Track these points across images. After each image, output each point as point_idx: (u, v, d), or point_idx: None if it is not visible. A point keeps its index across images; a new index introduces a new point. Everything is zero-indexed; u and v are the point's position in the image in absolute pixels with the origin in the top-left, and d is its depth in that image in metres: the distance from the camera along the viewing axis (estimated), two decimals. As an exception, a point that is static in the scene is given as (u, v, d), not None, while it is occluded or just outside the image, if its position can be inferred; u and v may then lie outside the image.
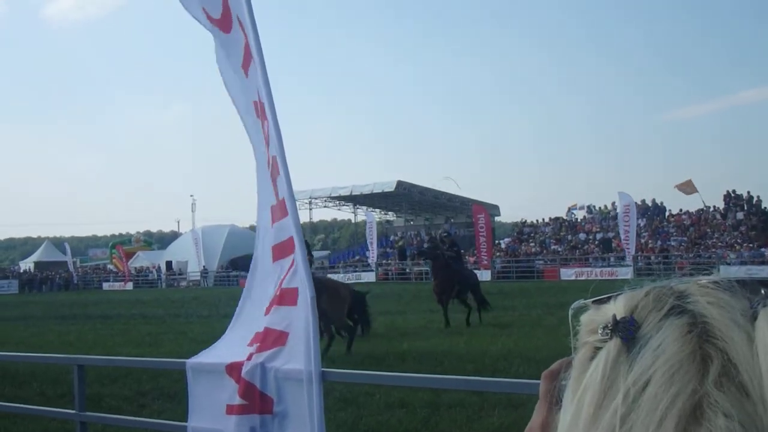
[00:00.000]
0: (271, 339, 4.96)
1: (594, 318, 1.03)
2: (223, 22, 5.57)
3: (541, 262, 65.34)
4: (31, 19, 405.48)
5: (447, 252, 27.07)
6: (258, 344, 5.00)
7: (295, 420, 4.65)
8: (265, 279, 5.31)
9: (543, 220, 76.89)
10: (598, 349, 0.99)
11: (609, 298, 1.04)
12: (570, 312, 1.08)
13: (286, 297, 4.96)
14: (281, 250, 5.16)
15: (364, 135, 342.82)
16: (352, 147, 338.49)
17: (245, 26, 5.30)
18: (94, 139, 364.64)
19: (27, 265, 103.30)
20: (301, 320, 4.79)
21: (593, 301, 1.07)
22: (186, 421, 5.98)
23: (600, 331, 0.99)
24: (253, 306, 5.44)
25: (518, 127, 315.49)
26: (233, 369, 5.05)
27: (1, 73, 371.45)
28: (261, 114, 5.26)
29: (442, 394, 12.00)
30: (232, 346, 5.35)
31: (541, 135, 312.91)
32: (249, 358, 4.97)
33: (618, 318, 0.97)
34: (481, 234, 64.21)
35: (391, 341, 20.92)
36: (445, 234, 35.18)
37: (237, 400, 4.96)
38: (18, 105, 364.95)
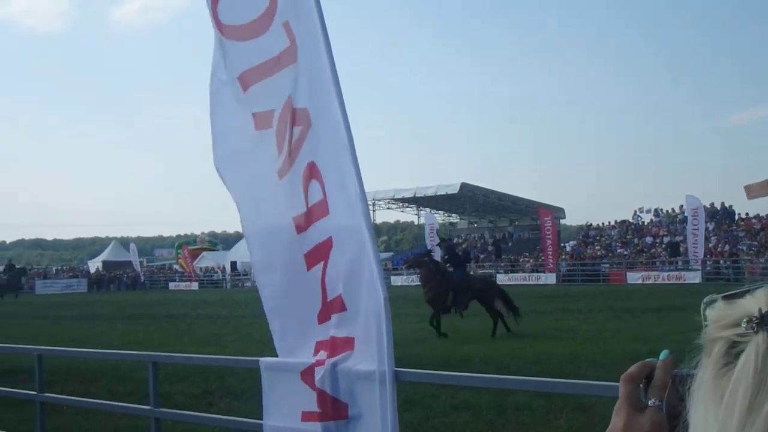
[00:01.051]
0: (339, 346, 4.97)
1: (728, 312, 1.04)
2: (249, 28, 5.61)
3: (606, 265, 64.64)
4: (99, 23, 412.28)
5: (440, 259, 25.55)
6: (327, 352, 5.02)
7: (368, 421, 4.67)
8: (304, 287, 5.31)
9: (609, 223, 76.11)
10: (736, 343, 1.00)
11: (744, 293, 1.06)
12: (702, 306, 1.09)
13: (337, 304, 4.97)
14: (316, 256, 5.15)
15: (429, 136, 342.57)
16: (415, 148, 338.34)
17: (294, 30, 5.33)
18: (160, 140, 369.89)
19: (95, 264, 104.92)
20: (361, 323, 4.79)
21: (723, 297, 1.08)
22: (254, 419, 6.07)
23: (744, 325, 0.99)
24: (298, 315, 5.43)
25: (584, 128, 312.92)
26: (307, 375, 5.06)
27: (70, 76, 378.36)
28: (288, 121, 5.30)
29: (508, 397, 12.00)
30: (297, 351, 5.38)
31: (608, 137, 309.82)
32: (320, 364, 4.98)
33: (764, 311, 0.99)
34: (546, 237, 63.85)
35: (455, 344, 20.91)
36: (440, 240, 32.69)
37: (315, 408, 4.97)
38: (87, 107, 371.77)
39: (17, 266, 77.27)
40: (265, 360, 5.45)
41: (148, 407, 6.65)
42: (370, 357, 4.71)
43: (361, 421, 4.74)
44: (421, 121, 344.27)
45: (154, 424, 6.51)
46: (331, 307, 5.02)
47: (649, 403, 1.26)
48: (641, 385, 1.28)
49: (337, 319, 4.98)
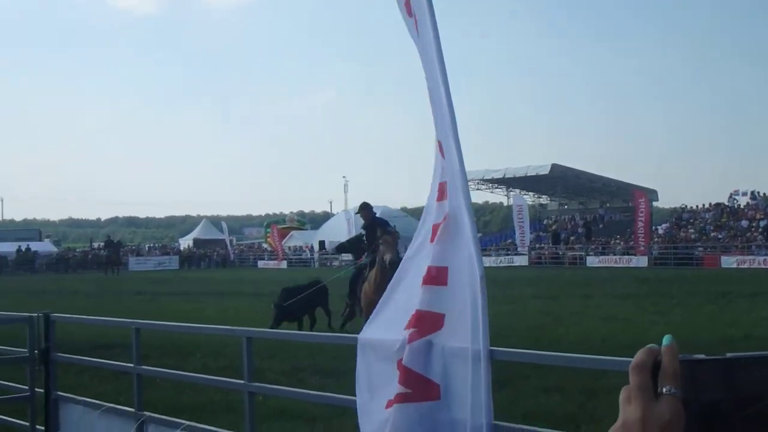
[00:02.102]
0: (427, 322, 4.91)
1: None
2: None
3: (700, 249, 63.48)
4: (190, 5, 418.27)
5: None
6: (416, 328, 4.96)
7: (461, 402, 4.64)
8: (423, 259, 5.30)
9: (703, 205, 74.70)
10: None
11: None
12: None
13: (436, 276, 4.94)
14: (436, 230, 5.13)
15: (519, 116, 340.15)
16: (506, 128, 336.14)
17: (413, 5, 5.31)
18: (251, 121, 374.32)
19: (186, 242, 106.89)
20: (457, 300, 4.75)
21: None
22: (346, 395, 6.11)
23: None
24: (408, 286, 5.41)
25: (679, 109, 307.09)
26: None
27: (162, 57, 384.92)
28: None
29: (600, 379, 11.88)
30: (390, 325, 5.34)
31: (703, 118, 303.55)
32: (409, 342, 4.92)
33: None
34: (639, 219, 63.01)
35: (545, 327, 20.78)
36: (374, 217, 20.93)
37: (399, 389, 4.91)
38: (179, 89, 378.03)
39: (114, 241, 78.67)
40: (363, 337, 5.45)
41: (242, 381, 6.77)
42: (461, 335, 4.66)
43: (453, 401, 4.70)
44: (511, 101, 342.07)
45: (247, 397, 6.64)
46: (426, 280, 4.98)
47: (664, 390, 1.23)
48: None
49: (431, 292, 4.93)
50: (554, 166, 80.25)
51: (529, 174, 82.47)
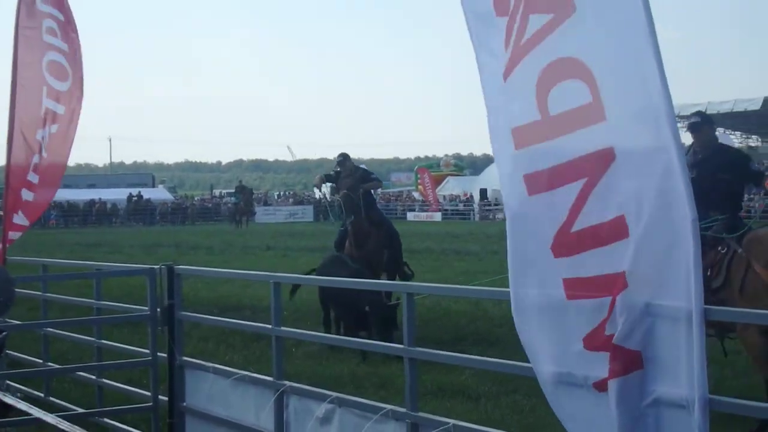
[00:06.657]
0: (602, 286, 4.87)
1: None
2: None
3: None
4: None
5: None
6: (592, 295, 4.89)
7: (669, 371, 4.59)
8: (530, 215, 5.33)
9: None
10: None
11: None
12: None
13: (610, 231, 4.84)
14: (570, 172, 4.97)
15: (726, 41, 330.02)
16: (710, 55, 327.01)
17: None
18: (397, 41, 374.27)
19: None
20: (644, 252, 4.62)
21: None
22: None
23: None
24: (527, 247, 5.53)
25: None
26: (593, 340, 4.95)
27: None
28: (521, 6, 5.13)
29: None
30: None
31: None
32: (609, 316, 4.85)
33: None
34: None
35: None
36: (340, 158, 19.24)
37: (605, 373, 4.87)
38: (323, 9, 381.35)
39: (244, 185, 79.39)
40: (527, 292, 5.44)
41: (401, 346, 6.83)
42: (649, 290, 4.59)
43: (659, 370, 4.64)
44: (715, 21, 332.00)
45: (408, 364, 6.70)
46: (600, 234, 4.88)
47: None
48: None
49: (616, 248, 4.83)
50: (767, 100, 77.90)
51: (735, 109, 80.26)
